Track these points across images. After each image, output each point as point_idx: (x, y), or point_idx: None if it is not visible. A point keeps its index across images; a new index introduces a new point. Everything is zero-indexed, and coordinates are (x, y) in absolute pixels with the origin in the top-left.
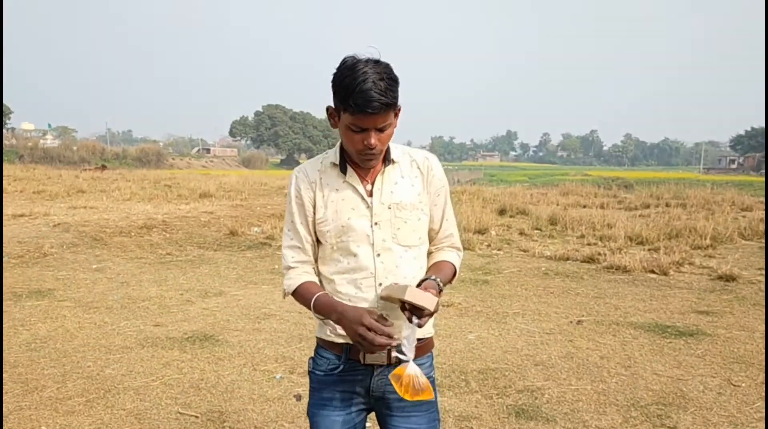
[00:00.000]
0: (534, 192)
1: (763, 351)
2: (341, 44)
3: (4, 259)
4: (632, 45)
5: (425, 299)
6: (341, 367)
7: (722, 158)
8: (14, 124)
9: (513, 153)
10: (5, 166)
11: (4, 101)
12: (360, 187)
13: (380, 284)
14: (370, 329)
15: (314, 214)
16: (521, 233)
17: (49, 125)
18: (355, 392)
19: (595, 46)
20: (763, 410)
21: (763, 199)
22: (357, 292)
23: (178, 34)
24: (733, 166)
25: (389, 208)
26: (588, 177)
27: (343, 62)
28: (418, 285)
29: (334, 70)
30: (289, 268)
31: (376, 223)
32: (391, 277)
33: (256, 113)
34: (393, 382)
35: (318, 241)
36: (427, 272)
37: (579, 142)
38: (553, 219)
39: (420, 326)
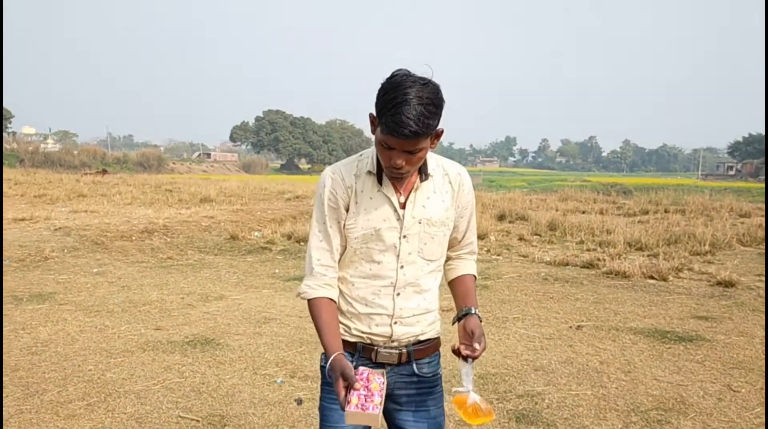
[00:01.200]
0: (533, 198)
1: (762, 356)
2: (342, 49)
3: (5, 263)
4: (631, 52)
5: (367, 419)
6: (353, 364)
7: (720, 164)
8: (15, 128)
9: (512, 159)
10: (6, 171)
11: (5, 105)
12: (394, 199)
13: (398, 294)
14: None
15: (345, 216)
16: (520, 239)
17: (50, 129)
18: None
19: (594, 53)
20: (763, 416)
21: (760, 205)
22: (374, 298)
23: (180, 40)
24: (731, 173)
25: (419, 222)
26: (587, 183)
27: (392, 76)
28: (459, 318)
29: (384, 80)
30: (313, 271)
31: (404, 236)
32: (409, 289)
33: (257, 118)
34: (456, 408)
35: None
36: (456, 289)
37: (578, 148)
38: (552, 224)
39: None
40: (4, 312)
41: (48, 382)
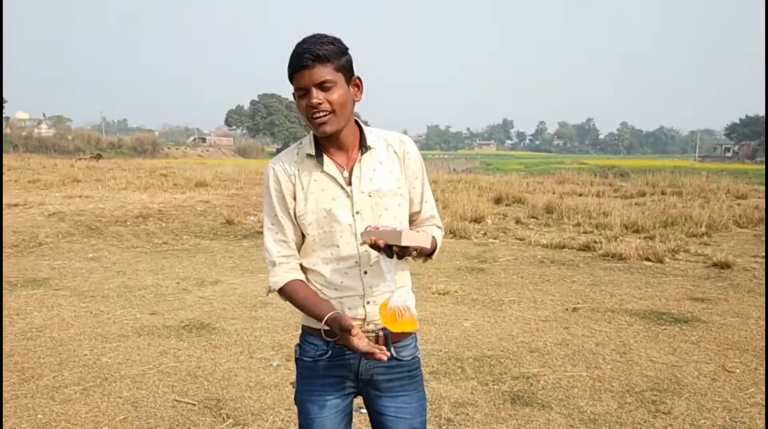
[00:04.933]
0: (530, 180)
1: (758, 337)
2: (338, 31)
3: None
4: (628, 33)
5: (421, 239)
6: (329, 352)
7: (717, 146)
8: (9, 113)
9: (509, 142)
10: None
11: None
12: (338, 177)
13: (365, 273)
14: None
15: (294, 206)
16: (517, 222)
17: (44, 114)
18: (344, 376)
19: (591, 34)
20: (757, 396)
21: (757, 187)
22: (343, 281)
23: (174, 23)
24: (729, 155)
25: (369, 196)
26: (584, 165)
27: None
28: None
29: None
30: (275, 264)
31: (357, 212)
32: (376, 265)
33: (252, 102)
34: (380, 312)
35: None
36: None
37: (575, 131)
38: (549, 207)
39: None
40: None
41: (43, 367)
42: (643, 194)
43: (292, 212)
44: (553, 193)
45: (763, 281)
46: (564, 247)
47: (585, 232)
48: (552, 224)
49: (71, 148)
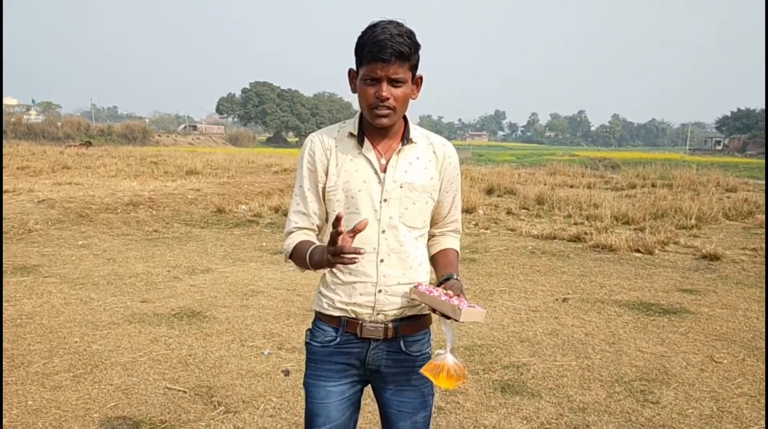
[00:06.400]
0: (522, 172)
1: (745, 328)
2: (331, 22)
3: None
4: (620, 26)
5: (477, 315)
6: (338, 339)
7: (708, 139)
8: None
9: (501, 133)
10: None
11: None
12: (375, 161)
13: (381, 260)
14: (337, 249)
15: (325, 180)
16: (508, 212)
17: (33, 100)
18: (351, 364)
19: (583, 27)
20: (744, 386)
21: (746, 180)
22: (357, 266)
23: (165, 10)
24: (719, 148)
25: (401, 186)
26: (575, 157)
27: (368, 24)
28: (440, 283)
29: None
30: (290, 233)
31: (385, 200)
32: (393, 256)
33: (243, 90)
34: (428, 374)
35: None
36: (438, 261)
37: (567, 123)
38: (540, 199)
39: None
40: None
41: (33, 354)
42: (634, 186)
43: (320, 187)
44: (545, 184)
45: (752, 273)
46: (555, 238)
47: (575, 224)
48: (543, 215)
49: (61, 134)
